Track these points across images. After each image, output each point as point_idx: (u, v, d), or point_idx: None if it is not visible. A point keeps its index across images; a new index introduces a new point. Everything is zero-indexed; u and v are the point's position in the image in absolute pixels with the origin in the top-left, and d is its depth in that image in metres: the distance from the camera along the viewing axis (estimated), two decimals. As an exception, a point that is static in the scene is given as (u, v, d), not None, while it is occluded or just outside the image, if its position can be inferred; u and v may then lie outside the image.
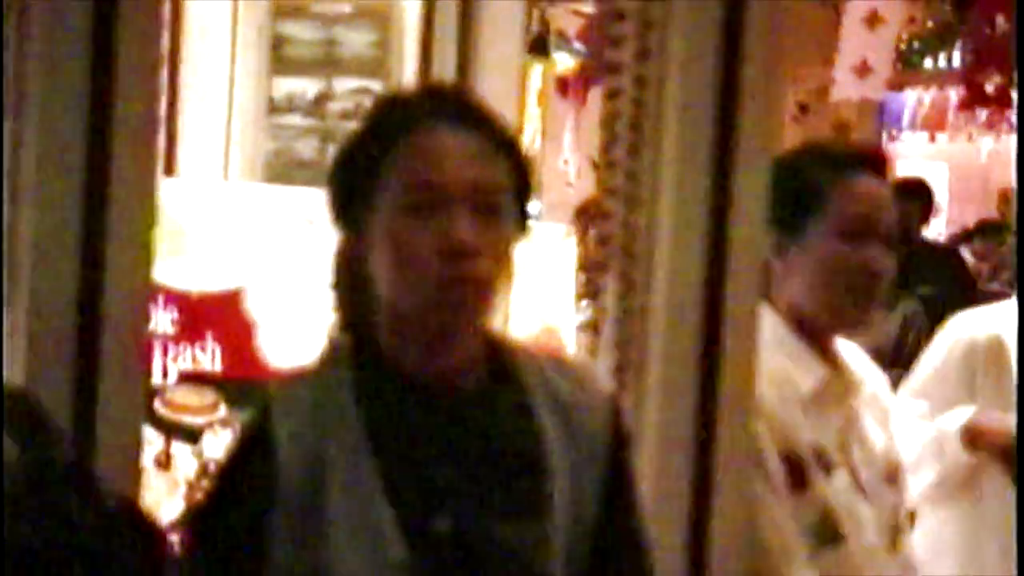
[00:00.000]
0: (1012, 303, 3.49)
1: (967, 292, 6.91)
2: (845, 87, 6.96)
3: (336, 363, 1.97)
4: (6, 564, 1.60)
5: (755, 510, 2.52)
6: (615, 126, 2.53)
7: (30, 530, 1.62)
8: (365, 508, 1.88)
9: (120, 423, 2.14)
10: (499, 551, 1.90)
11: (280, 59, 4.29)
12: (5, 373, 2.06)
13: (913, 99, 11.99)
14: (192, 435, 3.21)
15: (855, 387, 2.69)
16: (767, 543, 2.53)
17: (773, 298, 2.66)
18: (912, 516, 2.97)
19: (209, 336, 3.36)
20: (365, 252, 1.94)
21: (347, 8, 4.29)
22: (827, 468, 2.59)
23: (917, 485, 3.24)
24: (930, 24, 9.26)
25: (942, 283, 6.61)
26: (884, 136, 12.21)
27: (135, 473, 2.24)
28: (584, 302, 3.04)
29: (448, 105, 1.97)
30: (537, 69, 9.20)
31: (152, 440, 3.10)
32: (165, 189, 2.52)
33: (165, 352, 3.34)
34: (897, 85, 10.20)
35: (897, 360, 5.25)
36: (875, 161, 2.68)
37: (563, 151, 10.64)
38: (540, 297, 3.73)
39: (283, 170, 4.24)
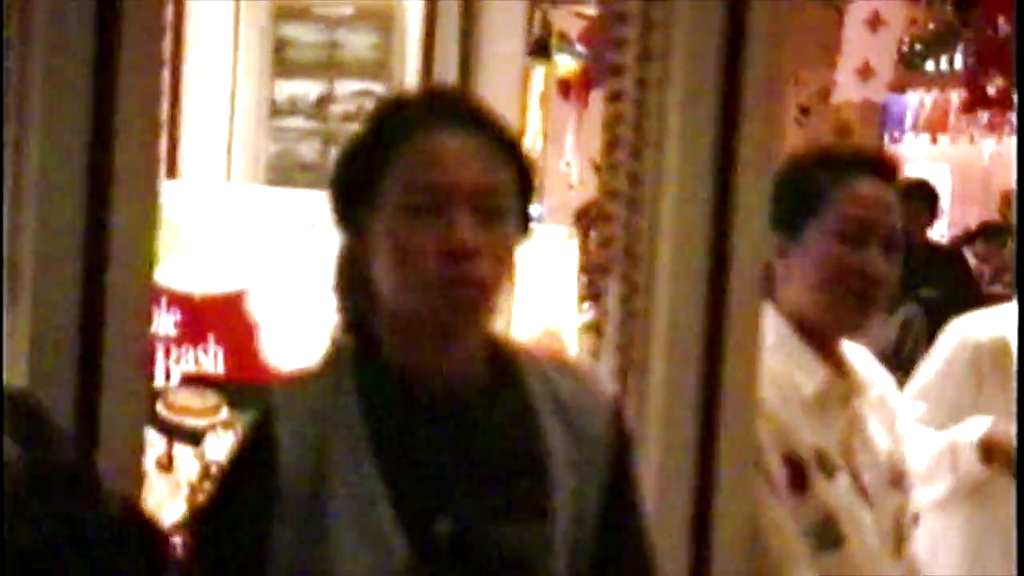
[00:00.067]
0: (1015, 305, 3.48)
1: (970, 294, 6.91)
2: (847, 89, 6.94)
3: (338, 365, 1.97)
4: (8, 565, 1.59)
5: (756, 511, 2.53)
6: (617, 128, 2.53)
7: (32, 532, 1.62)
8: (367, 510, 1.88)
9: (122, 425, 2.14)
10: (501, 553, 1.90)
11: (282, 61, 4.30)
12: (8, 375, 2.06)
13: (915, 101, 11.99)
14: (194, 437, 3.21)
15: (859, 389, 2.69)
16: (768, 544, 2.53)
17: (776, 299, 2.66)
18: (915, 517, 2.97)
19: (211, 338, 3.36)
20: (367, 254, 1.94)
21: (349, 10, 4.29)
22: (828, 471, 2.59)
23: (928, 494, 3.24)
24: (932, 26, 9.26)
25: (945, 285, 6.61)
26: (886, 138, 12.21)
27: (137, 475, 2.24)
28: (586, 304, 3.04)
29: (450, 107, 1.97)
30: (539, 71, 9.21)
31: (154, 442, 3.10)
32: (167, 191, 2.52)
33: (167, 354, 3.34)
34: (899, 87, 10.20)
35: (896, 363, 5.26)
36: (879, 165, 2.68)
37: (565, 153, 10.64)
38: (542, 299, 3.73)
39: (285, 172, 4.24)
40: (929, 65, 10.59)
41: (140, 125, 2.14)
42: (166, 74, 2.54)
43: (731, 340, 2.51)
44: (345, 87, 4.27)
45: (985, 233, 9.96)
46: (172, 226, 3.14)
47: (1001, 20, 6.81)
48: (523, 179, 1.96)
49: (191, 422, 3.23)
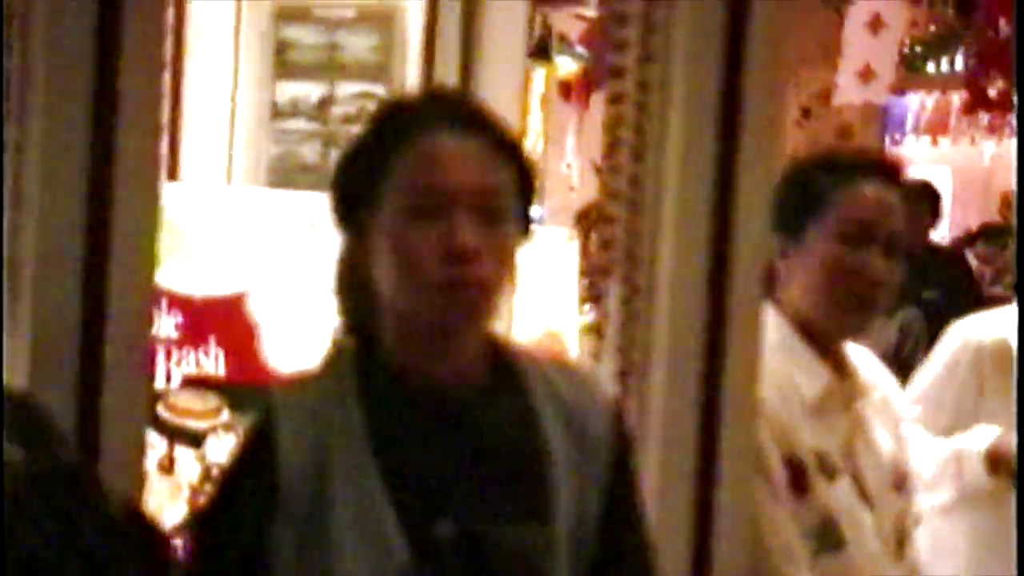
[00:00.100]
0: (1016, 308, 3.47)
1: (972, 296, 6.91)
2: (848, 92, 6.94)
3: (339, 367, 1.98)
4: (9, 567, 1.60)
5: (757, 513, 2.53)
6: (618, 130, 2.53)
7: (33, 533, 1.61)
8: (368, 511, 1.88)
9: (123, 427, 2.14)
10: (502, 554, 1.91)
11: (283, 63, 4.29)
12: (9, 377, 2.06)
13: (916, 103, 11.99)
14: (195, 439, 3.20)
15: (863, 392, 2.69)
16: (768, 546, 2.54)
17: (778, 300, 2.67)
18: (917, 520, 2.96)
19: (212, 340, 3.35)
20: (368, 256, 1.94)
21: (350, 12, 4.29)
22: (830, 473, 2.60)
23: (932, 500, 3.23)
24: (932, 28, 9.26)
25: (946, 287, 6.61)
26: (887, 140, 12.21)
27: (138, 477, 2.24)
28: (587, 306, 3.04)
29: (451, 109, 1.98)
30: (539, 73, 9.19)
31: (155, 444, 3.10)
32: (169, 193, 2.53)
33: (168, 356, 3.33)
34: (900, 89, 10.20)
35: (895, 366, 5.25)
36: (882, 167, 2.69)
37: (565, 155, 10.64)
38: (543, 301, 3.73)
39: (286, 174, 4.24)
40: (930, 67, 10.59)
41: (141, 127, 2.14)
42: (167, 76, 2.54)
43: (731, 342, 2.51)
44: (346, 89, 4.26)
45: (986, 235, 9.96)
46: (173, 228, 3.14)
47: (1002, 22, 6.82)
48: (524, 181, 1.97)
49: (192, 424, 3.22)
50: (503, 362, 2.00)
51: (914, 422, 3.28)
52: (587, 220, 6.02)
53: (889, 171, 2.68)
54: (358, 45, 4.27)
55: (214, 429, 3.23)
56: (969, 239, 10.11)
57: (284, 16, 4.29)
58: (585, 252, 3.91)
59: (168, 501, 3.07)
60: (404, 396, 1.94)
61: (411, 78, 4.12)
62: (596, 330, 2.59)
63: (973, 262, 8.99)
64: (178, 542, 2.56)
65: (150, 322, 2.33)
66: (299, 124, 4.30)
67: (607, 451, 2.00)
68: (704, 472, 2.50)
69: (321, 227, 2.41)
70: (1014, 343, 3.32)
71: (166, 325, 3.31)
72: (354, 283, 1.99)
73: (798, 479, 2.57)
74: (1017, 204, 6.93)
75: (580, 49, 9.20)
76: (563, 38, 9.25)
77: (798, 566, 2.54)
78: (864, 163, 2.71)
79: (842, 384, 2.67)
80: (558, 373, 2.04)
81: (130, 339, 2.14)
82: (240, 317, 3.37)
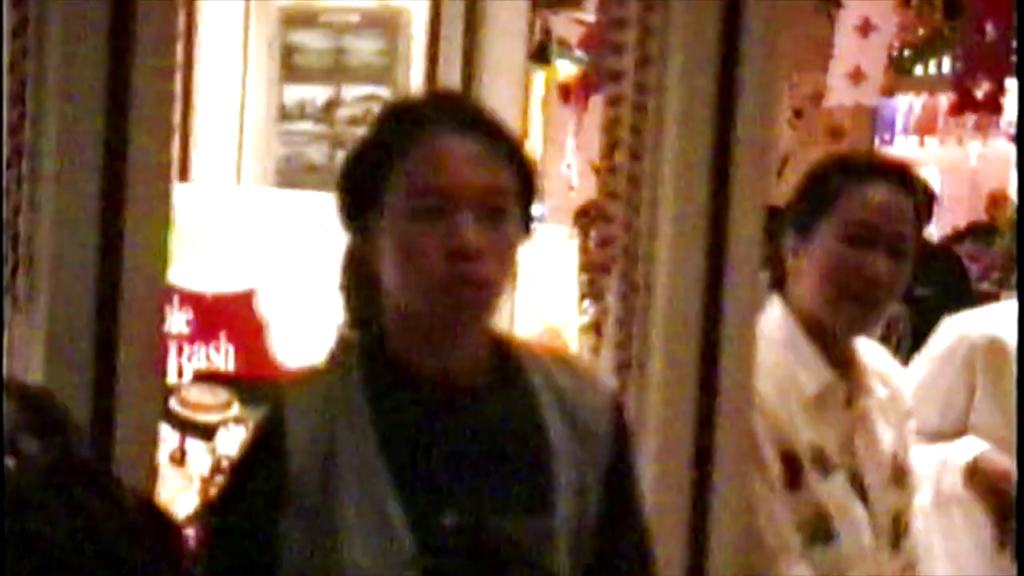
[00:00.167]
0: (1009, 303, 3.46)
1: (963, 293, 6.89)
2: (839, 93, 6.94)
3: (346, 362, 1.99)
4: (25, 557, 1.63)
5: (752, 504, 2.55)
6: (616, 131, 2.55)
7: (48, 525, 1.64)
8: (375, 503, 1.90)
9: (137, 421, 2.16)
10: (505, 546, 1.93)
11: (290, 67, 4.27)
12: (26, 372, 2.09)
13: (905, 105, 11.97)
14: (206, 432, 3.21)
15: (867, 389, 2.70)
16: (763, 537, 2.56)
17: (787, 298, 2.69)
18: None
19: (223, 336, 3.37)
20: (373, 254, 1.96)
21: (355, 17, 4.26)
22: (825, 469, 2.62)
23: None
24: (921, 32, 9.26)
25: (938, 284, 6.58)
26: (877, 141, 12.19)
27: (151, 469, 2.26)
28: (586, 303, 3.03)
29: (454, 111, 1.99)
30: (540, 76, 9.18)
31: (167, 437, 3.10)
32: (180, 194, 2.52)
33: (180, 352, 3.35)
34: (889, 91, 10.18)
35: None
36: (893, 171, 2.70)
37: (565, 156, 10.62)
38: (543, 298, 3.73)
39: (294, 175, 4.22)
40: (918, 69, 10.58)
41: (153, 129, 2.16)
42: (178, 80, 2.56)
43: (727, 337, 2.54)
44: (352, 92, 4.24)
45: (974, 233, 9.94)
46: (184, 227, 3.13)
47: (988, 25, 6.81)
48: (525, 181, 1.98)
49: (203, 418, 3.23)
50: (506, 357, 2.01)
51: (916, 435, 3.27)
52: (586, 219, 6.00)
53: (900, 174, 2.69)
54: (363, 49, 4.24)
55: (224, 422, 3.23)
56: (957, 237, 10.09)
57: (291, 21, 4.27)
58: (584, 250, 3.87)
59: (180, 492, 3.07)
60: (409, 390, 1.96)
61: (415, 81, 4.10)
62: (595, 326, 2.61)
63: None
64: (190, 532, 2.57)
65: (162, 319, 2.34)
66: (306, 126, 4.28)
67: (607, 444, 2.02)
68: (701, 464, 2.52)
69: (328, 226, 2.42)
70: (1007, 340, 3.29)
71: (178, 321, 3.33)
72: (360, 280, 2.01)
73: (793, 473, 2.59)
74: (1018, 205, 6.91)
75: (579, 52, 9.19)
76: (563, 42, 9.24)
77: (791, 557, 2.56)
78: (875, 166, 2.72)
79: (845, 381, 2.68)
80: (559, 367, 2.05)
81: (143, 335, 2.16)
82: (249, 314, 3.38)
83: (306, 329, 3.32)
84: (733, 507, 2.55)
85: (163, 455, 3.05)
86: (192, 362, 3.37)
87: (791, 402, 2.62)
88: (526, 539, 1.94)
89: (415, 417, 1.95)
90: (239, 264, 3.43)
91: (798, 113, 11.02)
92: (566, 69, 9.88)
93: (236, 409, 3.28)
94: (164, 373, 3.06)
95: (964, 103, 7.43)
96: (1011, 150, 10.63)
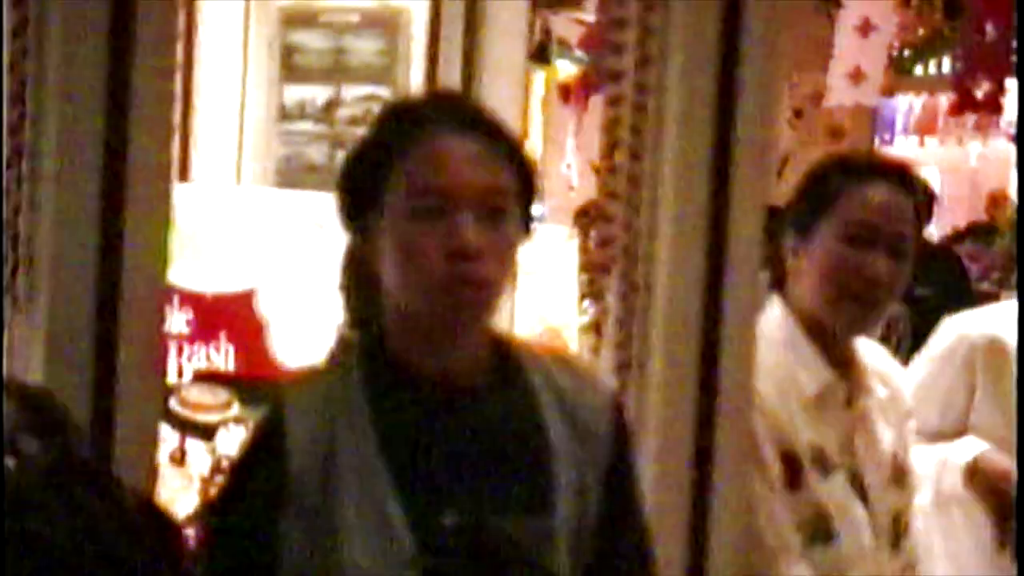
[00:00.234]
0: (1010, 303, 3.46)
1: (963, 293, 6.89)
2: (839, 93, 6.94)
3: (345, 362, 2.00)
4: (25, 556, 1.63)
5: (752, 504, 2.56)
6: (616, 131, 2.56)
7: (48, 524, 1.64)
8: (375, 503, 1.90)
9: (137, 421, 2.16)
10: (506, 545, 1.93)
11: (290, 67, 4.28)
12: (26, 372, 2.09)
13: (905, 105, 11.99)
14: (206, 432, 3.21)
15: (867, 389, 2.71)
16: (762, 537, 2.56)
17: (788, 297, 2.70)
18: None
19: (223, 336, 3.37)
20: (373, 254, 1.96)
21: (355, 18, 4.27)
22: (825, 469, 2.62)
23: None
24: (921, 32, 9.27)
25: (938, 284, 6.58)
26: (877, 140, 12.21)
27: (151, 469, 2.27)
28: (587, 303, 3.03)
29: (454, 111, 2.00)
30: (540, 76, 9.20)
31: (167, 437, 3.11)
32: (180, 194, 2.53)
33: (180, 352, 3.35)
34: (889, 91, 10.19)
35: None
36: (893, 171, 2.70)
37: (565, 156, 10.63)
38: (543, 298, 3.73)
39: (294, 175, 4.23)
40: (918, 69, 10.60)
41: (153, 129, 2.16)
42: (178, 80, 2.56)
43: (727, 337, 2.54)
44: (352, 92, 4.24)
45: (974, 233, 9.95)
46: (184, 227, 3.13)
47: (988, 26, 6.82)
48: (525, 181, 1.99)
49: (203, 417, 3.23)
50: (506, 357, 2.02)
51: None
52: (586, 218, 6.00)
53: (900, 174, 2.69)
54: (363, 49, 4.25)
55: (224, 422, 3.24)
56: (957, 237, 10.10)
57: (291, 21, 4.27)
58: (584, 250, 3.87)
59: (180, 492, 3.07)
60: (409, 390, 1.96)
61: (415, 81, 4.11)
62: (595, 326, 2.61)
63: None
64: (190, 532, 2.58)
65: (162, 319, 2.34)
66: (306, 126, 4.28)
67: (607, 444, 2.02)
68: (701, 464, 2.53)
69: (328, 226, 2.43)
70: (1007, 340, 3.29)
71: (178, 321, 3.33)
72: (360, 280, 2.01)
73: (793, 474, 2.59)
74: (1019, 206, 6.91)
75: (579, 53, 9.20)
76: (563, 42, 9.25)
77: (791, 556, 2.57)
78: (875, 166, 2.72)
79: (845, 381, 2.68)
80: (559, 367, 2.05)
81: (143, 335, 2.17)
82: (249, 314, 3.39)
83: (306, 329, 3.33)
84: (733, 507, 2.55)
85: (163, 455, 3.05)
86: (192, 362, 3.37)
87: (791, 402, 2.63)
88: (526, 539, 1.94)
89: (415, 417, 1.96)
90: (239, 264, 3.43)
91: (798, 113, 11.03)
92: (566, 69, 9.90)
93: (236, 409, 3.29)
94: (164, 373, 3.06)
95: (964, 103, 7.43)
96: (1011, 150, 10.64)
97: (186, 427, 3.22)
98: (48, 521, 1.60)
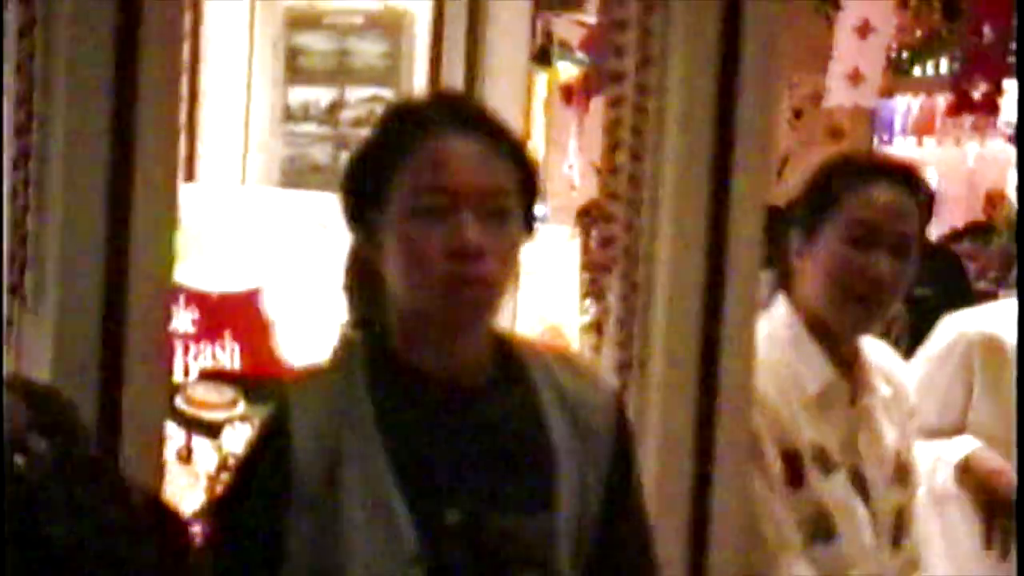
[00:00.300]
0: (1008, 302, 3.47)
1: (962, 292, 6.88)
2: (838, 94, 6.94)
3: (350, 360, 2.01)
4: (34, 553, 1.65)
5: (753, 502, 2.57)
6: (617, 132, 2.57)
7: (57, 521, 1.65)
8: (379, 500, 1.91)
9: (143, 419, 2.18)
10: (507, 542, 1.94)
11: (295, 69, 4.27)
12: (34, 371, 2.10)
13: (903, 105, 11.98)
14: (212, 430, 3.22)
15: (869, 387, 2.72)
16: (763, 534, 2.57)
17: (793, 297, 2.71)
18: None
19: (228, 335, 3.38)
20: (377, 254, 1.97)
21: (359, 20, 4.26)
22: (826, 467, 2.63)
23: None
24: (919, 34, 9.28)
25: (938, 283, 6.57)
26: (876, 141, 12.20)
27: (157, 466, 2.28)
28: (588, 302, 3.03)
29: (457, 112, 2.00)
30: (542, 78, 9.19)
31: (174, 435, 3.11)
32: (186, 194, 2.53)
33: (186, 350, 3.35)
34: (888, 92, 10.19)
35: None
36: (896, 171, 2.70)
37: (567, 156, 10.62)
38: (545, 297, 3.74)
39: (298, 175, 4.22)
40: (916, 71, 10.60)
41: (159, 131, 2.17)
42: (184, 82, 2.56)
43: (727, 336, 2.55)
44: (356, 93, 4.22)
45: (971, 232, 9.94)
46: (190, 227, 3.15)
47: (986, 28, 6.83)
48: (527, 181, 1.99)
49: (209, 415, 3.24)
50: (508, 355, 2.02)
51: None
52: (588, 218, 5.99)
53: (904, 175, 2.70)
54: (367, 51, 4.23)
55: (230, 420, 3.25)
56: (955, 236, 10.09)
57: (296, 23, 4.26)
58: (586, 249, 3.85)
59: (186, 490, 3.08)
60: (412, 388, 1.97)
61: (418, 82, 4.10)
62: (596, 325, 2.62)
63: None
64: (196, 529, 2.58)
65: (168, 318, 2.35)
66: (310, 127, 4.27)
67: (608, 441, 2.03)
68: (701, 461, 2.54)
69: (332, 226, 2.43)
70: (1005, 338, 3.29)
71: (183, 320, 3.33)
72: (363, 280, 2.02)
73: (794, 472, 2.60)
74: (1018, 205, 6.91)
75: (580, 54, 9.19)
76: (564, 44, 9.25)
77: (792, 555, 2.58)
78: (879, 166, 2.73)
79: (848, 380, 2.69)
80: (561, 366, 2.06)
81: (149, 334, 2.18)
82: (255, 313, 3.39)
83: (310, 328, 3.32)
84: (733, 506, 2.56)
85: (170, 453, 3.04)
86: (198, 361, 3.37)
87: (793, 401, 2.64)
88: (528, 537, 1.95)
89: (418, 415, 1.96)
90: (244, 263, 3.43)
91: (797, 114, 11.03)
92: (568, 71, 9.90)
93: (242, 407, 3.29)
94: (170, 371, 3.08)
95: (962, 104, 7.45)
96: (1008, 150, 10.64)
97: (192, 425, 3.22)
98: (56, 517, 1.62)
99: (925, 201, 2.71)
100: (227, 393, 3.31)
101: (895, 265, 2.63)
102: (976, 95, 7.10)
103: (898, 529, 2.73)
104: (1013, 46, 6.87)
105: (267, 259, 3.45)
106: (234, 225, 3.48)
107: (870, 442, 2.70)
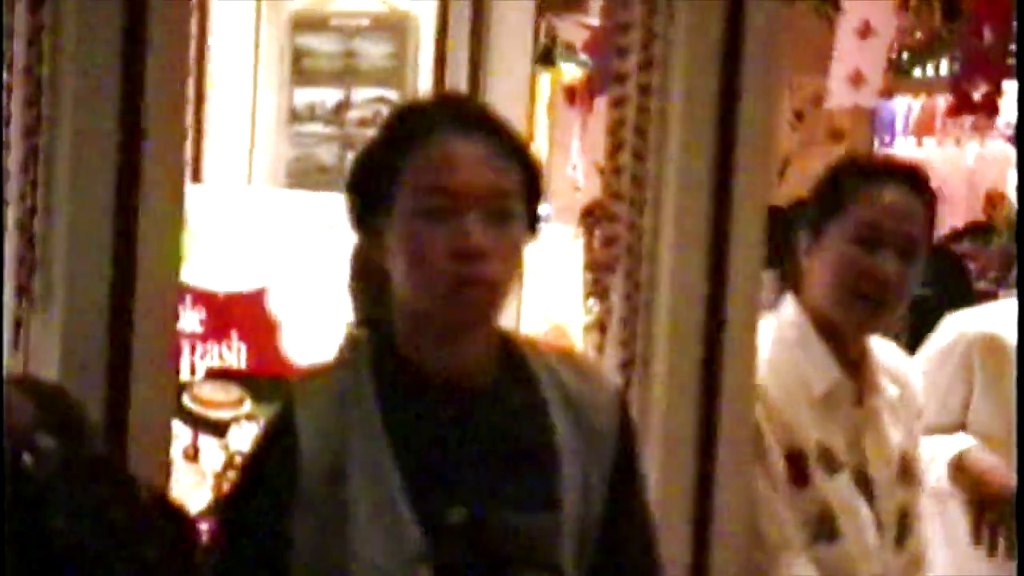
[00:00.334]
0: (1009, 302, 3.46)
1: (963, 292, 6.87)
2: (839, 95, 6.92)
3: (355, 360, 2.01)
4: (42, 550, 1.66)
5: (756, 501, 2.57)
6: (620, 133, 2.58)
7: (65, 519, 1.67)
8: (384, 498, 1.92)
9: (151, 417, 2.19)
10: (511, 540, 1.94)
11: (301, 70, 4.27)
12: (42, 371, 2.12)
13: (904, 106, 11.95)
14: (219, 429, 3.23)
15: (876, 388, 2.72)
16: (766, 533, 2.58)
17: (801, 297, 2.72)
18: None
19: (235, 334, 3.39)
20: (382, 254, 1.98)
21: (364, 21, 4.26)
22: (831, 467, 2.64)
23: None
24: (920, 35, 9.26)
25: (938, 283, 6.56)
26: (877, 142, 12.18)
27: (164, 465, 2.30)
28: (591, 301, 3.03)
29: (461, 113, 2.01)
30: (545, 79, 9.17)
31: (180, 434, 3.12)
32: (192, 195, 2.53)
33: (193, 350, 3.36)
34: (888, 93, 10.17)
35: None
36: (902, 172, 2.71)
37: (571, 157, 10.59)
38: (549, 296, 3.75)
39: (304, 176, 4.22)
40: (917, 72, 10.57)
41: (166, 132, 2.18)
42: (190, 83, 2.57)
43: (729, 335, 2.56)
44: (361, 94, 4.23)
45: (971, 232, 9.91)
46: (196, 228, 3.16)
47: (986, 29, 6.82)
48: (531, 182, 2.00)
49: (215, 414, 3.25)
50: (512, 355, 2.03)
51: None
52: (591, 218, 5.97)
53: (912, 177, 2.71)
54: (372, 52, 4.23)
55: (237, 419, 3.26)
56: (955, 236, 10.07)
57: (302, 25, 4.27)
58: (589, 249, 3.86)
59: (193, 488, 3.09)
60: (417, 388, 1.97)
61: (423, 84, 4.10)
62: (600, 324, 2.63)
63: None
64: (203, 527, 2.59)
65: (175, 318, 2.36)
66: (316, 128, 4.27)
67: (612, 440, 2.03)
68: (704, 460, 2.55)
69: (337, 226, 2.44)
70: (1005, 338, 3.28)
71: (191, 320, 3.34)
72: (368, 280, 2.02)
73: (798, 472, 2.61)
74: (1018, 205, 6.91)
75: (584, 56, 9.17)
76: (568, 45, 9.23)
77: (794, 554, 2.58)
78: (887, 168, 2.74)
79: (855, 380, 2.70)
80: (565, 365, 2.06)
81: (156, 334, 2.19)
82: (261, 312, 3.40)
83: (316, 328, 3.33)
84: (736, 504, 2.57)
85: (176, 451, 3.07)
86: (205, 360, 3.38)
87: (799, 400, 2.64)
88: (532, 535, 1.95)
89: (423, 414, 1.97)
90: (251, 264, 3.44)
91: (799, 115, 11.00)
92: (571, 72, 9.87)
93: (248, 406, 3.30)
94: (177, 371, 3.07)
95: (962, 105, 7.44)
96: (1008, 151, 10.61)
97: (199, 424, 3.23)
98: (64, 516, 1.64)
99: (931, 202, 2.71)
100: (234, 392, 3.31)
101: (902, 266, 2.63)
102: (976, 96, 7.09)
103: (902, 529, 2.74)
104: (1013, 47, 6.86)
105: (273, 259, 3.46)
106: (240, 225, 3.48)
107: (876, 442, 2.71)
